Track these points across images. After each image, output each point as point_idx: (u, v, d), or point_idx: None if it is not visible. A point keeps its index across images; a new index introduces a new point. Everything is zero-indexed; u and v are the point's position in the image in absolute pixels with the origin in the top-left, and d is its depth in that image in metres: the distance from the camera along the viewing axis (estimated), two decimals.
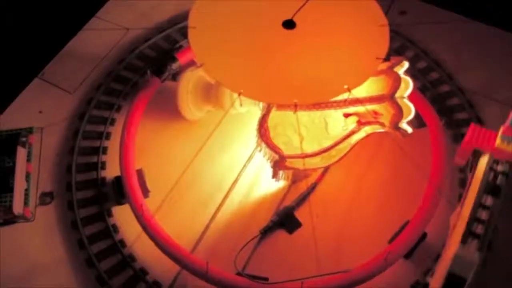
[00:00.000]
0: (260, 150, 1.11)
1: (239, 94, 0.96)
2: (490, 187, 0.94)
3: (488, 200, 0.93)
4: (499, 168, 0.97)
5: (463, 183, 1.20)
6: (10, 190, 1.15)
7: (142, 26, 1.46)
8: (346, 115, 1.10)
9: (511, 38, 1.43)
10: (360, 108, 1.07)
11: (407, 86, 1.08)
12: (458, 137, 1.27)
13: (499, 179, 0.95)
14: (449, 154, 1.20)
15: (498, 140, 0.97)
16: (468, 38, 1.43)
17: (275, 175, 1.14)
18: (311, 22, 1.04)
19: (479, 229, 0.90)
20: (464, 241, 0.89)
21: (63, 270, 1.11)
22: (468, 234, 0.90)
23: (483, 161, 0.98)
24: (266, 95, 1.00)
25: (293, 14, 1.04)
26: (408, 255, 1.11)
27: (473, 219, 0.91)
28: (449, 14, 1.48)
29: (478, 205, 0.93)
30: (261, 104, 1.10)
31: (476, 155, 1.02)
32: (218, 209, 1.18)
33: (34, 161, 1.24)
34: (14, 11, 1.60)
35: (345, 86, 0.96)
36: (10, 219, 1.15)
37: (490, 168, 0.96)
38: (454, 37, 1.44)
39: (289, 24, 1.04)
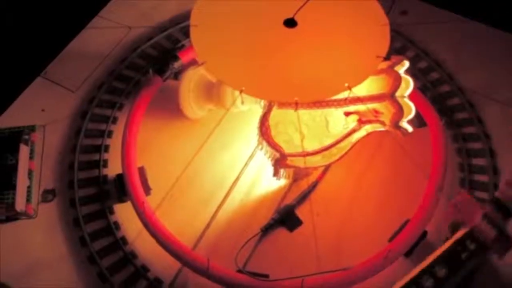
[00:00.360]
0: (261, 148, 1.11)
1: (241, 92, 0.96)
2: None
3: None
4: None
5: (463, 182, 1.20)
6: (13, 187, 1.16)
7: (145, 25, 1.47)
8: (347, 114, 1.11)
9: (511, 38, 1.43)
10: (360, 107, 1.08)
11: (408, 85, 1.08)
12: (458, 137, 1.27)
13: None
14: (449, 154, 1.21)
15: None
16: (468, 38, 1.44)
17: (276, 173, 1.14)
18: (312, 21, 1.05)
19: None
20: None
21: (65, 267, 1.12)
22: None
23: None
24: (268, 93, 1.01)
25: (295, 13, 1.04)
26: (408, 254, 1.11)
27: None
28: (450, 14, 1.48)
29: None
30: (262, 102, 1.11)
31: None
32: (219, 207, 1.18)
33: (37, 158, 1.25)
34: (17, 10, 1.61)
35: (346, 85, 0.97)
36: (13, 216, 1.16)
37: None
38: (454, 37, 1.44)
39: (290, 23, 1.05)
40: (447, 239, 1.03)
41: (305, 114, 1.08)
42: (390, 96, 1.05)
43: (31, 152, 1.24)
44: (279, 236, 1.16)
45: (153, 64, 1.35)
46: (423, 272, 0.97)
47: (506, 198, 1.00)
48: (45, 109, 1.32)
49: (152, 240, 1.10)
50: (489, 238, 0.99)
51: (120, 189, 1.18)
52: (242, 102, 1.12)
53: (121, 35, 1.45)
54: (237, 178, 1.22)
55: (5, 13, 1.58)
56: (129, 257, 1.12)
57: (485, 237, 0.99)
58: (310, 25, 1.04)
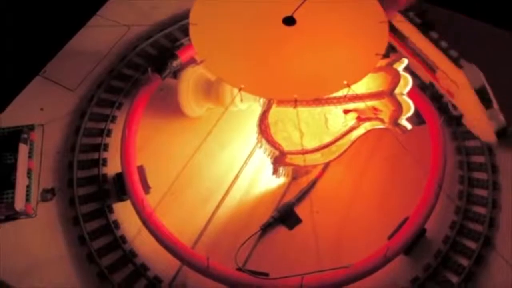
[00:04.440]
0: (260, 147, 1.11)
1: (240, 90, 0.96)
2: (425, 26, 1.18)
3: (434, 34, 1.18)
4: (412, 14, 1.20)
5: (463, 180, 1.21)
6: (12, 186, 1.16)
7: (143, 24, 1.47)
8: (346, 111, 1.11)
9: (510, 37, 1.43)
10: (359, 105, 1.08)
11: (407, 82, 1.08)
12: (457, 135, 1.27)
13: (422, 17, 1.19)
14: (448, 151, 1.21)
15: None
16: (467, 36, 1.43)
17: (275, 172, 1.15)
18: (311, 18, 1.05)
19: (453, 54, 1.16)
20: (459, 66, 1.14)
21: (64, 266, 1.12)
22: (454, 60, 1.15)
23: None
24: (267, 90, 1.01)
25: (293, 11, 1.04)
26: (407, 251, 1.11)
27: (442, 50, 1.17)
28: (449, 13, 1.48)
29: (433, 40, 1.18)
30: (261, 101, 1.11)
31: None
32: (218, 205, 1.18)
33: (36, 158, 1.25)
34: (15, 9, 1.61)
35: (345, 82, 0.97)
36: (12, 215, 1.16)
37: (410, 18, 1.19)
38: (453, 35, 1.44)
39: (289, 21, 1.05)
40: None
41: (304, 111, 1.08)
42: (389, 93, 1.05)
43: (30, 151, 1.24)
44: (279, 234, 1.16)
45: (152, 62, 1.34)
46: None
47: None
48: (44, 108, 1.32)
49: (151, 239, 1.10)
50: None
51: (119, 188, 1.18)
52: (241, 100, 1.12)
53: (120, 34, 1.45)
54: (237, 177, 1.22)
55: (4, 12, 1.58)
56: (129, 256, 1.12)
57: None
58: (309, 23, 1.04)
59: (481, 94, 1.12)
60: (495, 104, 1.12)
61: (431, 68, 1.20)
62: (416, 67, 1.26)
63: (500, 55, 1.40)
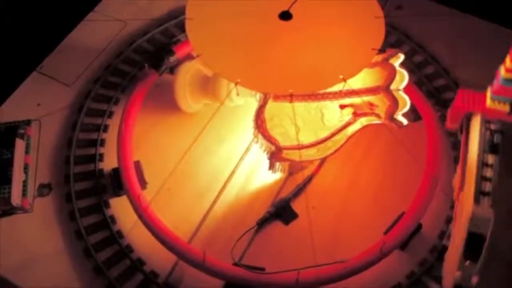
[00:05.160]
0: (257, 142, 1.11)
1: (236, 84, 0.97)
2: (489, 146, 1.00)
3: (490, 158, 0.99)
4: (493, 127, 1.01)
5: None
6: (9, 181, 1.16)
7: (140, 20, 1.46)
8: (342, 107, 1.11)
9: (506, 32, 1.44)
10: (355, 100, 1.08)
11: (403, 78, 1.09)
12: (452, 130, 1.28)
13: (496, 137, 1.00)
14: (444, 147, 1.21)
15: (488, 101, 1.00)
16: (463, 32, 1.44)
17: (271, 167, 1.15)
18: (308, 13, 1.05)
19: (487, 187, 0.96)
20: (477, 200, 0.94)
21: (61, 260, 1.12)
22: (479, 193, 0.95)
23: (476, 123, 1.02)
24: (263, 85, 1.01)
25: (290, 5, 1.04)
26: (403, 246, 1.12)
27: (481, 178, 0.97)
28: (445, 8, 1.49)
29: (482, 164, 0.98)
30: (257, 96, 1.11)
31: (467, 118, 1.06)
32: (215, 200, 1.18)
33: (32, 153, 1.24)
34: (12, 6, 1.60)
35: (341, 76, 0.97)
36: (9, 210, 1.16)
37: (485, 128, 1.01)
38: (449, 31, 1.45)
39: (285, 16, 1.05)
40: (462, 131, 1.06)
41: (300, 107, 1.08)
42: (385, 88, 1.06)
43: (27, 147, 1.24)
44: (275, 229, 1.17)
45: (149, 58, 1.34)
46: (480, 165, 0.98)
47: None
48: (40, 103, 1.32)
49: (148, 234, 1.11)
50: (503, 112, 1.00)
51: (116, 183, 1.18)
52: (238, 94, 1.12)
53: (116, 29, 1.45)
54: (233, 172, 1.22)
55: (1, 9, 1.58)
56: (125, 251, 1.12)
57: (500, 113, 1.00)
58: (305, 18, 1.04)
59: (471, 241, 0.92)
60: (476, 265, 0.92)
61: (463, 183, 1.05)
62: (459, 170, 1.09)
63: (495, 49, 1.39)
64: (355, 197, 1.20)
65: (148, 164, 1.20)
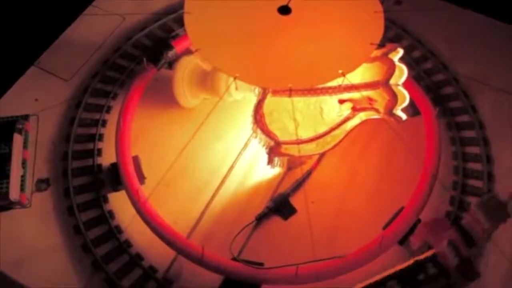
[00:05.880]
0: (255, 137, 1.11)
1: (235, 78, 0.96)
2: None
3: None
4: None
5: (457, 170, 1.21)
6: (6, 176, 1.15)
7: (138, 15, 1.46)
8: (341, 101, 1.11)
9: (505, 28, 1.44)
10: (354, 94, 1.08)
11: (402, 73, 1.09)
12: (452, 125, 1.27)
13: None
14: (443, 142, 1.21)
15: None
16: (463, 27, 1.44)
17: (270, 162, 1.14)
18: (307, 7, 1.05)
19: None
20: None
21: (59, 255, 1.11)
22: None
23: None
24: (261, 79, 1.01)
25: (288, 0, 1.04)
26: (402, 241, 1.11)
27: None
28: (444, 4, 1.48)
29: None
30: (256, 90, 1.10)
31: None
32: (214, 195, 1.18)
33: (30, 148, 1.24)
34: (9, 0, 1.60)
35: (340, 71, 0.97)
36: (6, 205, 1.15)
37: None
38: (449, 26, 1.45)
39: (284, 10, 1.05)
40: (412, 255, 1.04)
41: (299, 101, 1.08)
42: (384, 83, 1.05)
43: (25, 142, 1.24)
44: (274, 224, 1.16)
45: (147, 53, 1.34)
46: (375, 285, 0.97)
47: (470, 228, 0.99)
48: (38, 98, 1.31)
49: (146, 229, 1.10)
50: (451, 266, 0.97)
51: (114, 178, 1.18)
52: (237, 88, 1.12)
53: (114, 24, 1.44)
54: (232, 167, 1.22)
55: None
56: (124, 246, 1.12)
57: (447, 264, 0.97)
58: (304, 12, 1.04)
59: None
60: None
61: None
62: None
63: (495, 44, 1.40)
64: (354, 192, 1.20)
65: (146, 159, 1.20)
